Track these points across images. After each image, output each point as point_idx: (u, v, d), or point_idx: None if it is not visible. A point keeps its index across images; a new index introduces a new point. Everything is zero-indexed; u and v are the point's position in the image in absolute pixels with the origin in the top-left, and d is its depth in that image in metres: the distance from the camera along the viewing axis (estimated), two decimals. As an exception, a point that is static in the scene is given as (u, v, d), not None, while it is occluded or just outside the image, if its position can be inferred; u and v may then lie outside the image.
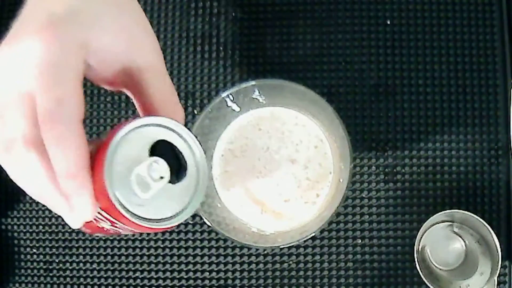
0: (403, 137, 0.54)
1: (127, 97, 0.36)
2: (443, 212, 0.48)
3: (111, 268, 0.55)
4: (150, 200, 0.29)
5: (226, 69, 0.56)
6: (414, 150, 0.54)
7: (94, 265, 0.55)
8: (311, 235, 0.44)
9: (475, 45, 0.54)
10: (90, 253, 0.55)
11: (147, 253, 0.55)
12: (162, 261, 0.55)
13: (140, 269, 0.55)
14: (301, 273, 0.53)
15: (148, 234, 0.55)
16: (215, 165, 0.49)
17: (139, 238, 0.55)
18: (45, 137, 0.28)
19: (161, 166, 0.29)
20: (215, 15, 0.57)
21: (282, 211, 0.48)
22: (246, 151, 0.49)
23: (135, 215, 0.28)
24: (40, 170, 0.28)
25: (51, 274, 0.56)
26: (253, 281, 0.53)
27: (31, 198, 0.43)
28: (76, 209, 0.28)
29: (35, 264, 0.56)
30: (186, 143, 0.31)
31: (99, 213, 0.29)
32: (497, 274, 0.46)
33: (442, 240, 0.51)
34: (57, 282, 0.56)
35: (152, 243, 0.55)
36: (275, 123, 0.49)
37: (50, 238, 0.56)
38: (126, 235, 0.55)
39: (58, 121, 0.27)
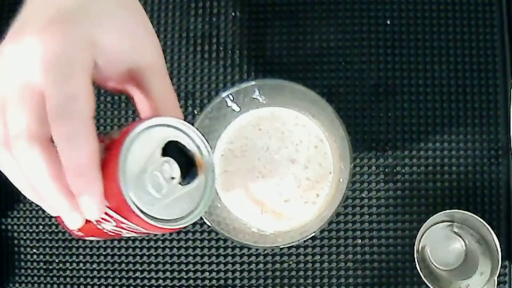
0: (403, 137, 0.54)
1: (127, 97, 0.36)
2: (443, 212, 0.48)
3: (111, 268, 0.55)
4: (161, 200, 0.29)
5: (226, 69, 0.56)
6: (414, 150, 0.54)
7: (94, 265, 0.55)
8: (311, 235, 0.44)
9: (475, 45, 0.54)
10: (90, 253, 0.55)
11: (147, 253, 0.55)
12: (162, 261, 0.55)
13: (140, 269, 0.55)
14: (301, 273, 0.53)
15: (148, 234, 0.55)
16: (215, 165, 0.49)
17: (139, 238, 0.55)
18: (56, 133, 0.27)
19: (173, 167, 0.29)
20: (215, 15, 0.57)
21: (282, 211, 0.48)
22: (246, 151, 0.49)
23: (148, 214, 0.28)
24: (42, 168, 0.28)
25: (51, 274, 0.56)
26: (253, 281, 0.53)
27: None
28: (83, 207, 0.28)
29: (35, 264, 0.56)
30: (195, 144, 0.31)
31: (105, 213, 0.29)
32: (497, 274, 0.46)
33: (442, 240, 0.51)
34: (57, 282, 0.56)
35: (152, 243, 0.55)
36: (275, 123, 0.49)
37: (50, 238, 0.56)
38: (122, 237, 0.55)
39: (70, 117, 0.27)
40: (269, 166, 0.49)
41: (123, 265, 0.55)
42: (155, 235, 0.55)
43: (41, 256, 0.56)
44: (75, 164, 0.27)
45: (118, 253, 0.55)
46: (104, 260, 0.55)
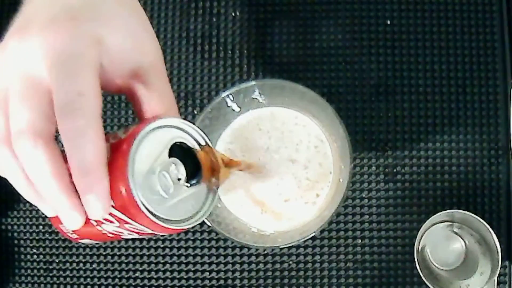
0: (403, 137, 0.54)
1: (127, 97, 0.36)
2: (443, 212, 0.48)
3: (111, 268, 0.55)
4: (168, 200, 0.29)
5: (226, 69, 0.56)
6: (414, 150, 0.54)
7: (94, 265, 0.55)
8: (311, 235, 0.44)
9: (475, 45, 0.54)
10: (90, 253, 0.55)
11: (147, 253, 0.55)
12: (162, 261, 0.55)
13: (140, 269, 0.55)
14: (301, 273, 0.53)
15: (149, 235, 0.55)
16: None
17: (139, 238, 0.55)
18: (63, 130, 0.27)
19: (179, 168, 0.30)
20: (215, 15, 0.57)
21: (282, 211, 0.48)
22: (246, 151, 0.49)
23: (155, 214, 0.28)
24: (45, 165, 0.27)
25: (51, 274, 0.56)
26: (253, 281, 0.53)
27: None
28: (88, 206, 0.28)
29: (35, 264, 0.56)
30: (200, 145, 0.31)
31: (109, 213, 0.29)
32: (497, 274, 0.46)
33: (442, 240, 0.51)
34: (57, 282, 0.56)
35: (152, 243, 0.55)
36: (275, 123, 0.49)
37: (50, 238, 0.56)
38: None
39: (78, 114, 0.27)
40: (269, 166, 0.49)
41: (123, 265, 0.55)
42: (155, 235, 0.55)
43: (41, 256, 0.56)
44: (82, 161, 0.27)
45: (118, 253, 0.55)
46: (104, 260, 0.55)
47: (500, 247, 0.46)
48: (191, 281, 0.54)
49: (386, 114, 0.54)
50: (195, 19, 0.57)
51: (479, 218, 0.47)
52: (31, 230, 0.57)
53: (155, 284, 0.54)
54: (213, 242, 0.54)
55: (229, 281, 0.54)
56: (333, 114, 0.44)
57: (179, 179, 0.30)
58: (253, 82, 0.46)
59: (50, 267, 0.56)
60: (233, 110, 0.49)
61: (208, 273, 0.54)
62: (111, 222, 0.29)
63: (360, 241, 0.53)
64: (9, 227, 0.57)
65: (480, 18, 0.55)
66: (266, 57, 0.56)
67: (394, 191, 0.53)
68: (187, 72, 0.57)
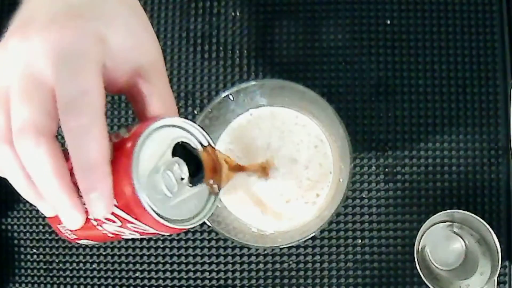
0: (403, 137, 0.54)
1: (126, 97, 0.36)
2: (443, 212, 0.48)
3: (111, 268, 0.55)
4: (171, 200, 0.29)
5: (226, 69, 0.56)
6: (414, 150, 0.54)
7: (94, 265, 0.55)
8: (311, 235, 0.44)
9: (475, 45, 0.54)
10: (90, 253, 0.55)
11: (147, 253, 0.55)
12: (162, 261, 0.55)
13: (140, 269, 0.55)
14: (301, 273, 0.53)
15: (151, 235, 0.55)
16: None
17: (139, 238, 0.55)
18: (66, 127, 0.27)
19: (182, 168, 0.30)
20: (215, 15, 0.57)
21: (282, 211, 0.48)
22: (246, 151, 0.49)
23: (159, 214, 0.28)
24: (47, 163, 0.27)
25: (51, 274, 0.56)
26: (253, 281, 0.53)
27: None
28: (91, 204, 0.27)
29: (35, 264, 0.56)
30: (202, 146, 0.32)
31: (111, 212, 0.29)
32: (497, 274, 0.46)
33: (442, 240, 0.51)
34: (57, 282, 0.56)
35: (152, 243, 0.55)
36: (275, 123, 0.49)
37: (50, 238, 0.56)
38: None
39: (82, 112, 0.27)
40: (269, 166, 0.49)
41: (123, 265, 0.55)
42: (155, 235, 0.55)
43: (41, 256, 0.56)
44: (85, 159, 0.27)
45: (118, 253, 0.55)
46: (104, 260, 0.55)
47: (500, 247, 0.46)
48: (191, 281, 0.54)
49: (386, 114, 0.54)
50: (195, 19, 0.57)
51: (479, 218, 0.47)
52: (31, 230, 0.57)
53: (155, 284, 0.54)
54: (213, 242, 0.54)
55: (229, 281, 0.54)
56: (333, 114, 0.44)
57: (182, 179, 0.30)
58: (253, 82, 0.46)
59: (50, 267, 0.56)
60: (233, 110, 0.49)
61: (208, 273, 0.54)
62: (113, 221, 0.29)
63: (360, 241, 0.53)
64: (9, 227, 0.57)
65: (480, 18, 0.55)
66: (266, 57, 0.56)
67: (394, 191, 0.53)
68: (187, 72, 0.57)
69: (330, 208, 0.45)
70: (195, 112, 0.56)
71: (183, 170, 0.30)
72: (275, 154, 0.49)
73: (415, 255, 0.47)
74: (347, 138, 0.44)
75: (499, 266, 0.46)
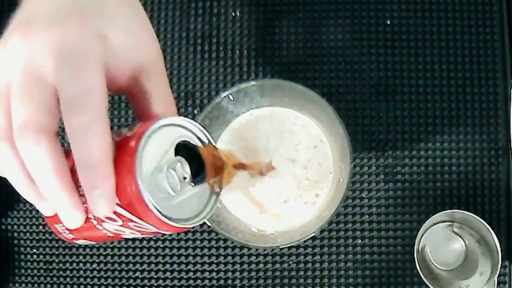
0: (403, 137, 0.54)
1: (127, 97, 0.36)
2: (443, 212, 0.48)
3: (111, 268, 0.55)
4: (173, 199, 0.29)
5: (226, 69, 0.56)
6: (414, 150, 0.54)
7: (94, 265, 0.55)
8: (311, 235, 0.44)
9: (475, 45, 0.54)
10: (90, 253, 0.55)
11: (147, 253, 0.55)
12: (162, 261, 0.55)
13: (140, 269, 0.55)
14: (301, 273, 0.53)
15: (152, 234, 0.55)
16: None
17: (139, 238, 0.55)
18: (69, 125, 0.27)
19: (184, 167, 0.30)
20: (215, 15, 0.57)
21: (281, 211, 0.48)
22: (246, 151, 0.49)
23: (162, 212, 0.28)
24: (47, 162, 0.27)
25: (51, 274, 0.56)
26: (253, 281, 0.53)
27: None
28: (93, 203, 0.27)
29: (35, 264, 0.56)
30: (203, 144, 0.32)
31: (113, 211, 0.29)
32: (497, 274, 0.46)
33: (442, 240, 0.51)
34: (57, 282, 0.56)
35: (152, 243, 0.55)
36: (275, 123, 0.49)
37: (50, 238, 0.56)
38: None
39: (85, 110, 0.27)
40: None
41: (123, 265, 0.55)
42: (155, 235, 0.55)
43: (41, 256, 0.56)
44: (88, 157, 0.27)
45: (118, 253, 0.55)
46: (104, 260, 0.55)
47: (500, 247, 0.46)
48: (191, 281, 0.54)
49: (386, 114, 0.54)
50: (195, 19, 0.57)
51: (479, 218, 0.47)
52: (31, 230, 0.57)
53: (155, 284, 0.54)
54: (213, 242, 0.54)
55: (229, 281, 0.54)
56: (333, 114, 0.44)
57: (184, 178, 0.30)
58: (253, 82, 0.46)
59: (50, 267, 0.56)
60: (233, 110, 0.49)
61: (208, 273, 0.54)
62: (114, 220, 0.29)
63: (360, 241, 0.53)
64: (9, 227, 0.57)
65: (480, 18, 0.55)
66: (266, 57, 0.56)
67: (394, 191, 0.53)
68: (187, 72, 0.57)
69: (330, 208, 0.45)
70: (195, 112, 0.56)
71: (186, 169, 0.30)
72: (274, 154, 0.49)
73: (415, 255, 0.47)
74: (347, 138, 0.44)
75: (499, 266, 0.46)
